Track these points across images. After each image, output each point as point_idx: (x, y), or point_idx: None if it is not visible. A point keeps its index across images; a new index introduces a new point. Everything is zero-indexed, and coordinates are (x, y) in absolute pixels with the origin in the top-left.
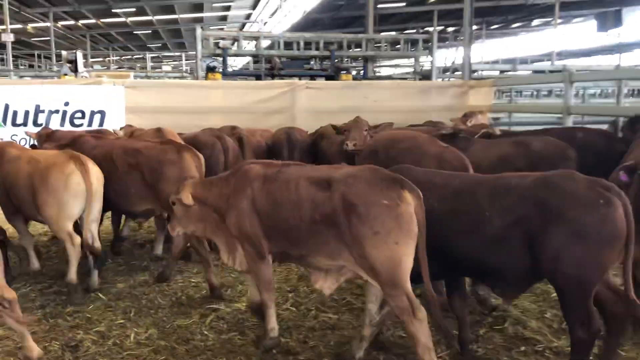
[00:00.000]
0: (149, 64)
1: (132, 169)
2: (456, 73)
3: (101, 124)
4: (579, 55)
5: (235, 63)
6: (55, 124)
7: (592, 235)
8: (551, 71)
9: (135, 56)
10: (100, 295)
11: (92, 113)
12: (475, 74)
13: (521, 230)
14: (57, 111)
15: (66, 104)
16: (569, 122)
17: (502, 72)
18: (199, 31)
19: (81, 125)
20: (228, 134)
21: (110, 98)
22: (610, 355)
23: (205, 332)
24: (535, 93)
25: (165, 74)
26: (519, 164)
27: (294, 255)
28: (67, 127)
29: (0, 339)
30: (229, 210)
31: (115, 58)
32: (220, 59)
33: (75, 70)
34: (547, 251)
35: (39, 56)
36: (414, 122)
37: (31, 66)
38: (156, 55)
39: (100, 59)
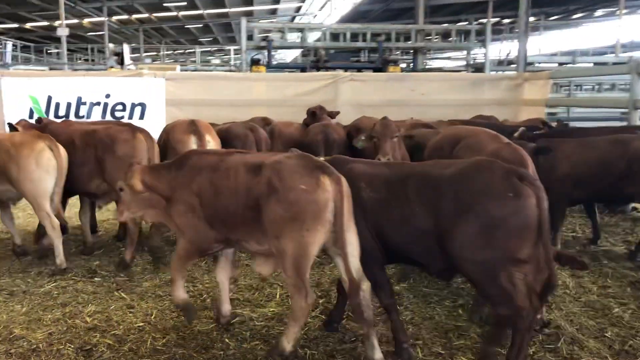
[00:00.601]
0: (199, 57)
1: (89, 148)
2: (511, 66)
3: (142, 116)
4: None
5: (285, 56)
6: (96, 116)
7: (499, 227)
8: (615, 63)
9: (188, 50)
10: (123, 294)
11: (133, 105)
12: (532, 66)
13: (437, 221)
14: (98, 103)
15: (107, 96)
16: (636, 117)
17: (560, 64)
18: (243, 23)
19: (122, 117)
20: (260, 125)
21: (150, 90)
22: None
23: (227, 340)
24: (596, 87)
25: (214, 67)
26: (620, 166)
27: (233, 240)
28: (109, 119)
29: (16, 339)
30: (174, 203)
31: (168, 52)
32: (266, 51)
33: (121, 62)
34: (455, 242)
35: (92, 50)
36: (464, 116)
37: (86, 60)
38: (207, 49)
39: (154, 53)
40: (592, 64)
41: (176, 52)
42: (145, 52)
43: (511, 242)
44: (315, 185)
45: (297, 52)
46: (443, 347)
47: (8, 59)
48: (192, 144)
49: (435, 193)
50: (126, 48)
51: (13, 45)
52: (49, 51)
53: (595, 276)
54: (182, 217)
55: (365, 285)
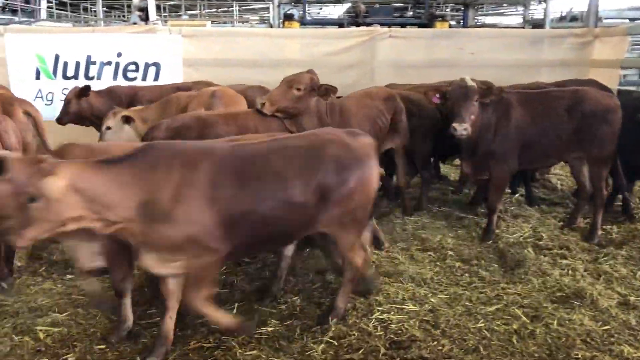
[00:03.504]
0: (236, 13)
1: None
2: (573, 23)
3: (156, 77)
4: None
5: (331, 12)
6: (107, 77)
7: None
8: None
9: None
10: None
11: (147, 65)
12: (599, 23)
13: None
14: (109, 63)
15: (119, 54)
16: None
17: (632, 20)
18: None
19: (135, 78)
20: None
21: (165, 48)
22: None
23: None
24: None
25: (251, 25)
26: None
27: None
28: (121, 80)
29: None
30: None
31: (211, 10)
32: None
33: (146, 19)
34: None
35: (129, 6)
36: (520, 79)
37: (123, 17)
38: (247, 6)
39: (196, 12)
40: None
41: (219, 10)
42: (187, 9)
43: None
44: None
45: (343, 8)
46: None
47: (43, 16)
48: None
49: None
50: (151, 2)
51: (48, 1)
52: (85, 8)
53: None
54: None
55: None
